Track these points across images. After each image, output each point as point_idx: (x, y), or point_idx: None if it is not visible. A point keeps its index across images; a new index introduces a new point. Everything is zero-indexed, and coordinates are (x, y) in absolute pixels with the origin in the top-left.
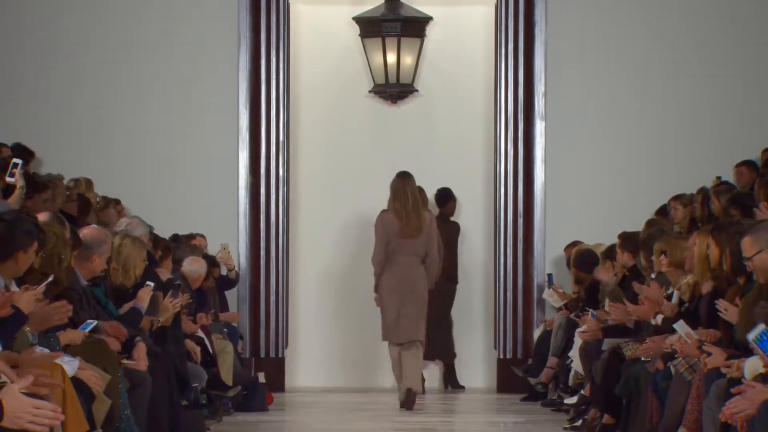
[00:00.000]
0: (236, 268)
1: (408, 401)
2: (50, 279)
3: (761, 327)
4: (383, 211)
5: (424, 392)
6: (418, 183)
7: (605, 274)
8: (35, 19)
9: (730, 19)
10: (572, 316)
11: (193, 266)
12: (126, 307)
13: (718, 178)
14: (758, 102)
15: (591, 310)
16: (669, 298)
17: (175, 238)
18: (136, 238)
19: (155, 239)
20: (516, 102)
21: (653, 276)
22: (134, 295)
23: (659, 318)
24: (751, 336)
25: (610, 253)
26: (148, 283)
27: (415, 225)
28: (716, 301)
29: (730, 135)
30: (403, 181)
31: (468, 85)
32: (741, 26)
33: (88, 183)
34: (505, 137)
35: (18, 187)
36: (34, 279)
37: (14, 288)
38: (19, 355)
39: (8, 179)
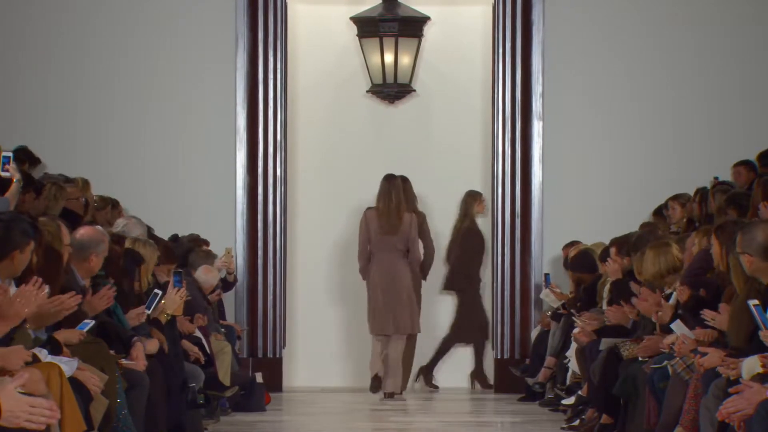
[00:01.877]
0: (235, 271)
1: (374, 386)
2: (46, 290)
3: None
4: (367, 209)
5: (403, 390)
6: (415, 182)
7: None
8: (32, 20)
9: (729, 20)
10: (571, 310)
11: (208, 276)
12: (133, 313)
13: (716, 178)
14: (756, 102)
15: (575, 318)
16: (667, 298)
17: (175, 238)
18: (147, 241)
19: (154, 240)
20: (513, 102)
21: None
22: (141, 298)
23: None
24: (752, 302)
25: (605, 254)
26: (155, 291)
27: (394, 223)
28: (701, 312)
29: (728, 135)
30: (389, 183)
31: (465, 84)
32: (739, 27)
33: (85, 183)
34: (503, 137)
35: (14, 180)
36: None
37: (13, 288)
38: None
39: (2, 173)
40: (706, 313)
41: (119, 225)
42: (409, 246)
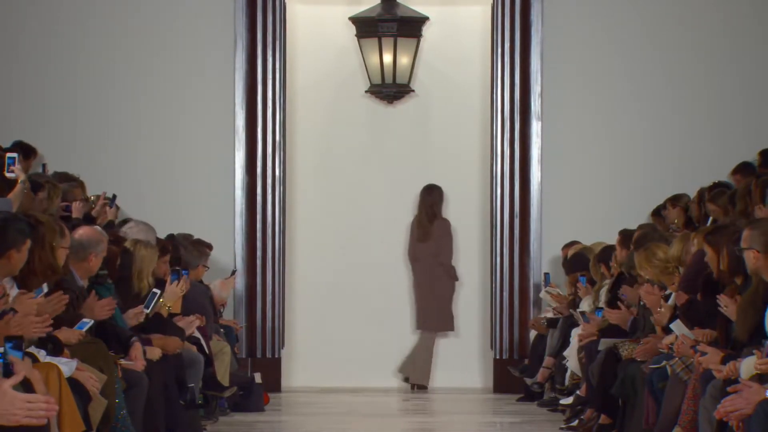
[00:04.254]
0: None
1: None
2: (45, 289)
3: None
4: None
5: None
6: (413, 184)
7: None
8: (29, 19)
9: (729, 21)
10: (571, 310)
11: (222, 293)
12: (131, 312)
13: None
14: (756, 102)
15: (584, 313)
16: (666, 299)
17: (171, 237)
18: (148, 243)
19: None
20: (512, 102)
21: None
22: (143, 300)
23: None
24: None
25: (603, 255)
26: (154, 290)
27: (426, 231)
28: (717, 296)
29: (728, 135)
30: (424, 193)
31: (464, 85)
32: (739, 27)
33: (80, 184)
34: (502, 137)
35: (19, 181)
36: (35, 282)
37: (14, 289)
38: None
39: (8, 175)
40: (722, 299)
41: (127, 229)
42: (439, 251)
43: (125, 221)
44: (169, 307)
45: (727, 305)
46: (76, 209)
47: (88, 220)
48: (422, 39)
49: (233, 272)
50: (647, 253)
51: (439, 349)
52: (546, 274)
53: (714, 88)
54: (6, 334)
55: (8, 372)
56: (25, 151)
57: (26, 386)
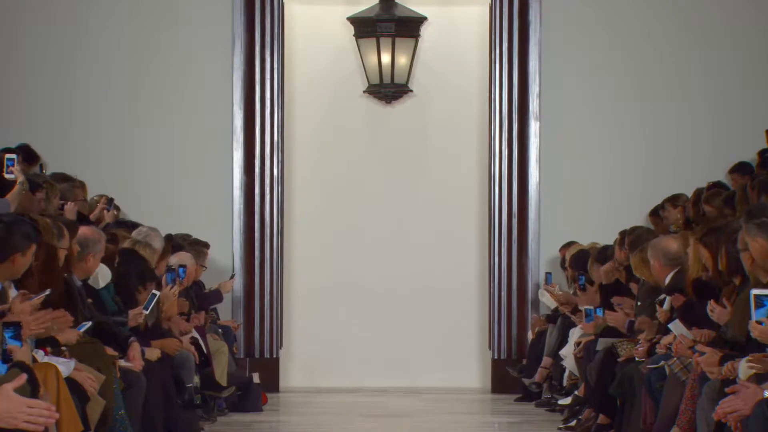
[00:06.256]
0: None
1: None
2: (47, 292)
3: None
4: None
5: None
6: (411, 183)
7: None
8: (27, 19)
9: (729, 21)
10: (569, 312)
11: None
12: (131, 313)
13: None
14: (757, 102)
15: (574, 319)
16: (661, 303)
17: (169, 238)
18: (147, 244)
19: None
20: (510, 102)
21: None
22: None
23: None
24: (755, 291)
25: (601, 255)
26: (153, 292)
27: None
28: (708, 302)
29: (727, 136)
30: None
31: (462, 85)
32: (739, 27)
33: (81, 184)
34: (500, 137)
35: (18, 182)
36: (33, 284)
37: (12, 291)
38: None
39: (7, 176)
40: (710, 303)
41: (141, 233)
42: None
43: (127, 223)
44: (162, 310)
45: (713, 309)
46: (69, 210)
47: (84, 220)
48: (420, 39)
49: (232, 276)
50: (643, 254)
51: (438, 349)
52: (548, 273)
53: (714, 88)
54: None
55: (7, 359)
56: (29, 156)
57: (32, 384)
